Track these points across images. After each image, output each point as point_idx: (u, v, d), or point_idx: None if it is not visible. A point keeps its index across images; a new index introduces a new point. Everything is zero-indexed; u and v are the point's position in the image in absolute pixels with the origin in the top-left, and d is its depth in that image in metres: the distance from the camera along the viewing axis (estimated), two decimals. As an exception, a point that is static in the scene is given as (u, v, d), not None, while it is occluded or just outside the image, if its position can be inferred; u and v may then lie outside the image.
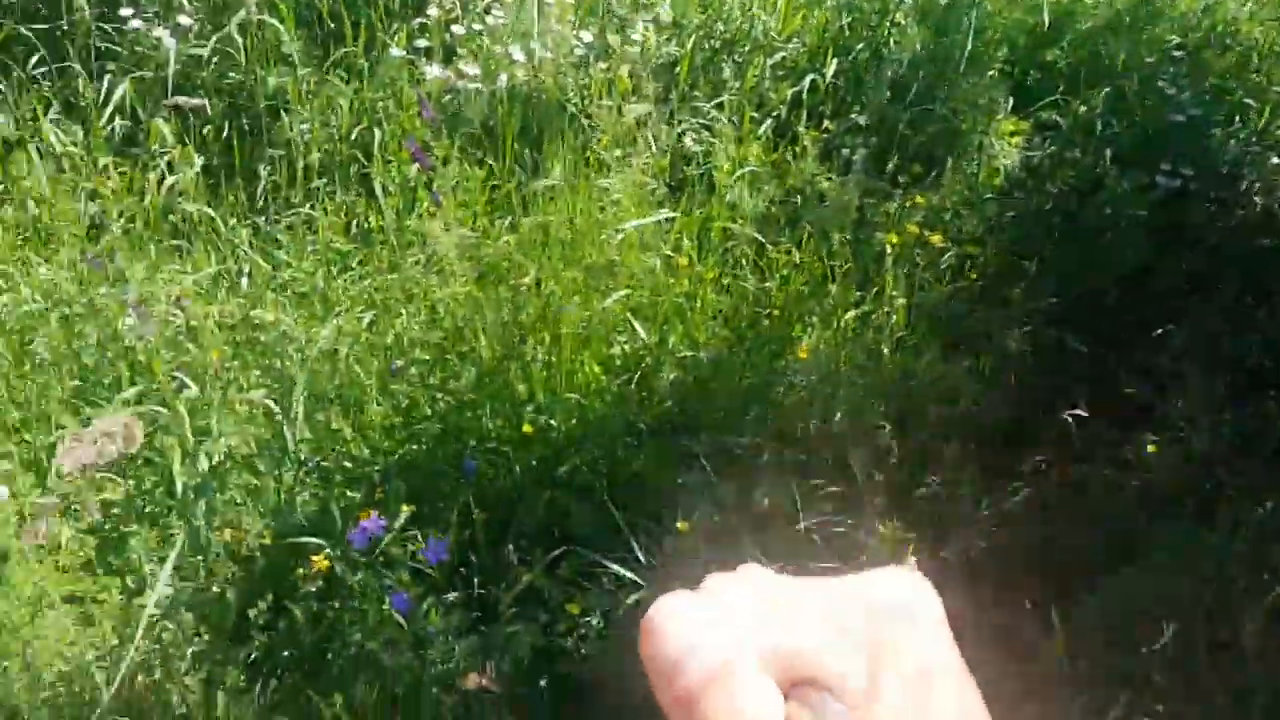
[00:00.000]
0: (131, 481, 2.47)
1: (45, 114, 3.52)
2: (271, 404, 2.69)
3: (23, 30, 3.65)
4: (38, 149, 3.43)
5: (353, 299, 3.05)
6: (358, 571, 2.30)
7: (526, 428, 2.88)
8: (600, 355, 3.20)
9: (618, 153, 3.68)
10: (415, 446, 2.85)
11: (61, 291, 2.95)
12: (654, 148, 3.75)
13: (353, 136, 3.66)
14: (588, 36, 3.75)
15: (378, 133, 3.62)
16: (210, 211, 3.31)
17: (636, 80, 3.85)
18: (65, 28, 3.72)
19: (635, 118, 3.73)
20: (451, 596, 2.40)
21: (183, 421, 2.47)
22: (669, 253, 3.39)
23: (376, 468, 2.75)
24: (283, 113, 3.67)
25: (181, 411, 2.49)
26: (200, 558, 2.50)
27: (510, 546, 2.53)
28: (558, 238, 3.35)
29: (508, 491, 2.81)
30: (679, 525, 2.65)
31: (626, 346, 3.22)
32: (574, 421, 2.99)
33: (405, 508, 2.50)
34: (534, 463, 2.88)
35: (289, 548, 2.51)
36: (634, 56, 3.85)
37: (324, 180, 3.54)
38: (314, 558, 2.40)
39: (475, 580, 2.54)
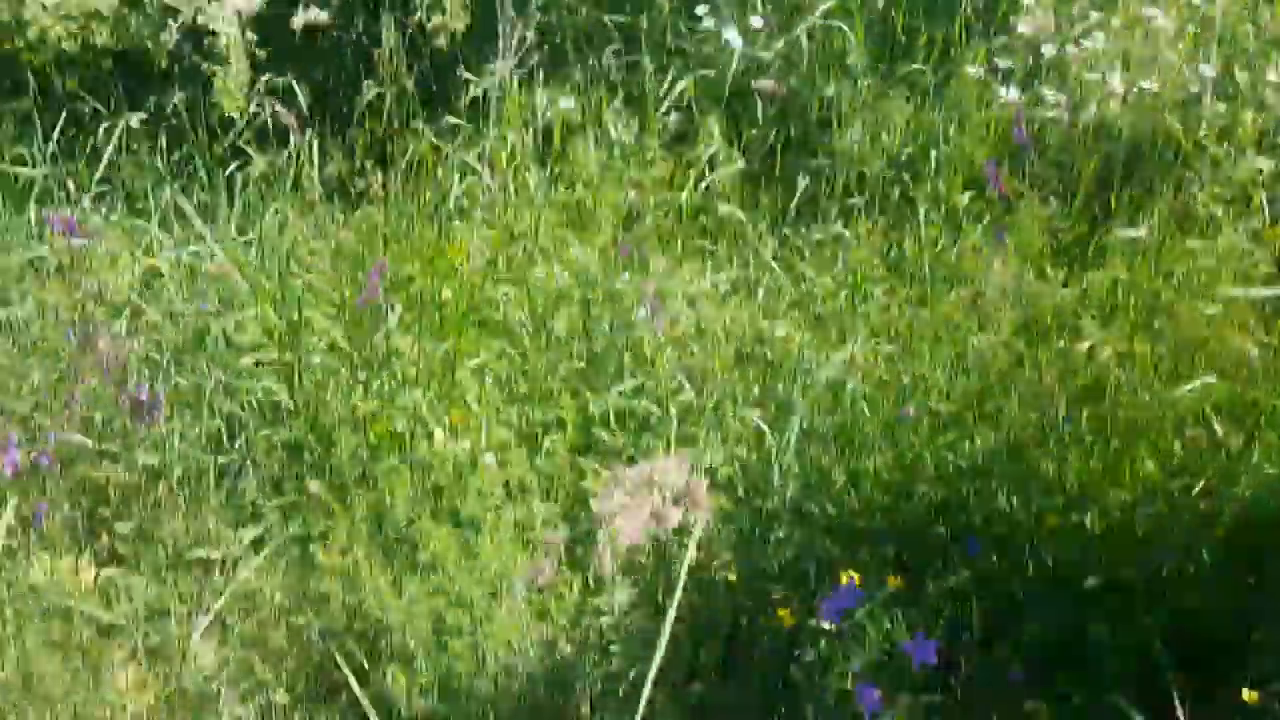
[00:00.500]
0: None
1: (609, 103, 3.58)
2: (764, 427, 2.43)
3: (605, 19, 3.75)
4: (595, 136, 3.48)
5: (873, 329, 2.71)
6: (821, 640, 1.95)
7: (1051, 519, 2.36)
8: (1159, 451, 2.58)
9: (1220, 210, 3.01)
10: (912, 509, 2.44)
11: (589, 274, 2.91)
12: (1267, 211, 3.03)
13: (902, 157, 3.34)
14: (1209, 70, 3.11)
15: (932, 153, 3.27)
16: (741, 215, 3.14)
17: (1264, 128, 3.14)
18: (644, 25, 3.77)
19: (1254, 173, 3.04)
20: (929, 700, 1.96)
21: (671, 424, 2.28)
22: (1274, 343, 2.68)
23: (863, 524, 2.38)
24: (834, 124, 3.43)
25: (673, 414, 2.30)
26: (660, 574, 2.29)
27: (1010, 658, 2.03)
28: (1129, 301, 2.77)
29: (1013, 591, 2.31)
30: (1244, 694, 2.00)
31: (1195, 447, 2.56)
32: (1110, 526, 2.41)
33: (892, 580, 2.11)
34: (1052, 564, 2.35)
35: (752, 588, 2.22)
36: (1267, 100, 3.14)
37: (864, 198, 3.25)
38: (779, 610, 2.08)
39: (958, 688, 2.08)
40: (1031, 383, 2.57)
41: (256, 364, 2.38)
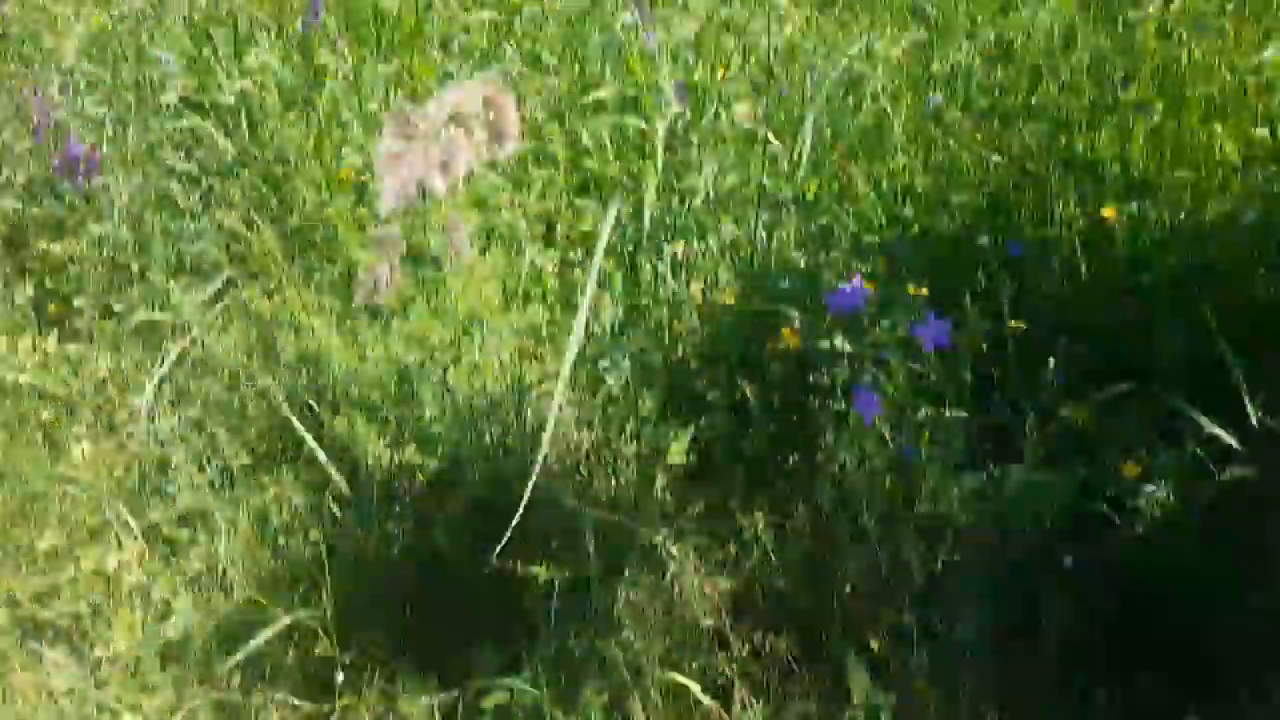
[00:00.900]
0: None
1: None
2: (771, 137, 2.12)
3: None
4: None
5: (894, 13, 2.34)
6: (835, 336, 1.70)
7: (1108, 210, 2.04)
8: (1239, 131, 2.21)
9: None
10: (947, 219, 2.14)
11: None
12: None
13: None
14: None
15: None
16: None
17: None
18: None
19: None
20: (954, 415, 1.72)
21: (656, 139, 1.99)
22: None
23: (890, 237, 2.10)
24: None
25: (659, 129, 2.01)
26: (661, 306, 2.06)
27: (1051, 364, 1.77)
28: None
29: (1066, 297, 2.03)
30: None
31: (1282, 124, 2.19)
32: (1182, 215, 2.09)
33: (912, 289, 1.84)
34: (1112, 262, 2.05)
35: (761, 313, 1.98)
36: None
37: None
38: (785, 330, 1.84)
39: (992, 403, 1.83)
40: (1087, 59, 2.20)
41: (184, 101, 2.14)
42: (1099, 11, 2.25)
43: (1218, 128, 2.18)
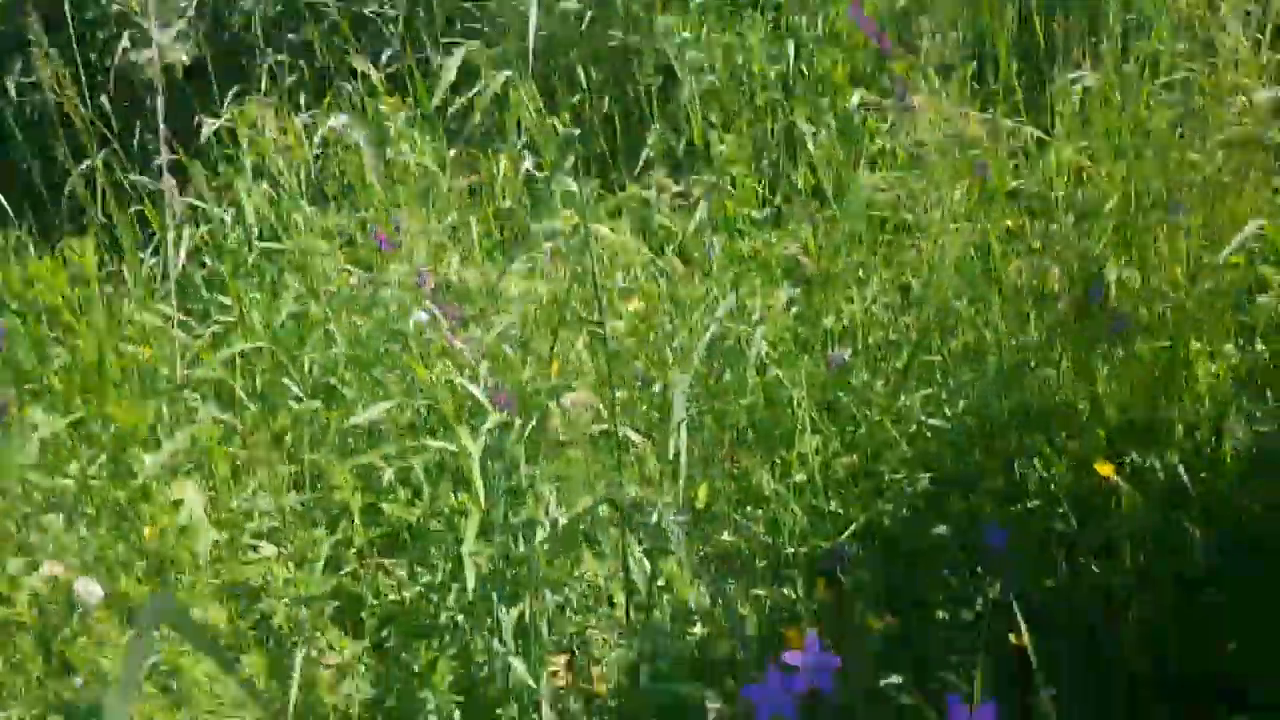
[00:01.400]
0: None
1: (391, 107, 2.77)
2: (630, 434, 1.55)
3: (369, 12, 2.97)
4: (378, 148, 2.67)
5: (762, 267, 1.86)
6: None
7: (1104, 468, 1.49)
8: (1216, 349, 1.74)
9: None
10: (886, 505, 1.56)
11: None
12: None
13: (770, 75, 2.55)
14: None
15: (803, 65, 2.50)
16: (570, 183, 2.31)
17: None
18: (420, 13, 3.02)
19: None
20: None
21: (471, 457, 1.39)
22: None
23: (820, 544, 1.49)
24: (677, 66, 2.65)
25: (469, 444, 1.41)
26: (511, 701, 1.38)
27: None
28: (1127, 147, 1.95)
29: (1069, 591, 1.42)
30: None
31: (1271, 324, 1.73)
32: (1190, 459, 1.56)
33: (873, 621, 1.22)
34: (1126, 536, 1.47)
35: (661, 703, 1.31)
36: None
37: (732, 141, 2.45)
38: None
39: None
40: (1025, 281, 1.72)
41: None
42: (999, 217, 1.80)
43: (1194, 345, 1.71)
